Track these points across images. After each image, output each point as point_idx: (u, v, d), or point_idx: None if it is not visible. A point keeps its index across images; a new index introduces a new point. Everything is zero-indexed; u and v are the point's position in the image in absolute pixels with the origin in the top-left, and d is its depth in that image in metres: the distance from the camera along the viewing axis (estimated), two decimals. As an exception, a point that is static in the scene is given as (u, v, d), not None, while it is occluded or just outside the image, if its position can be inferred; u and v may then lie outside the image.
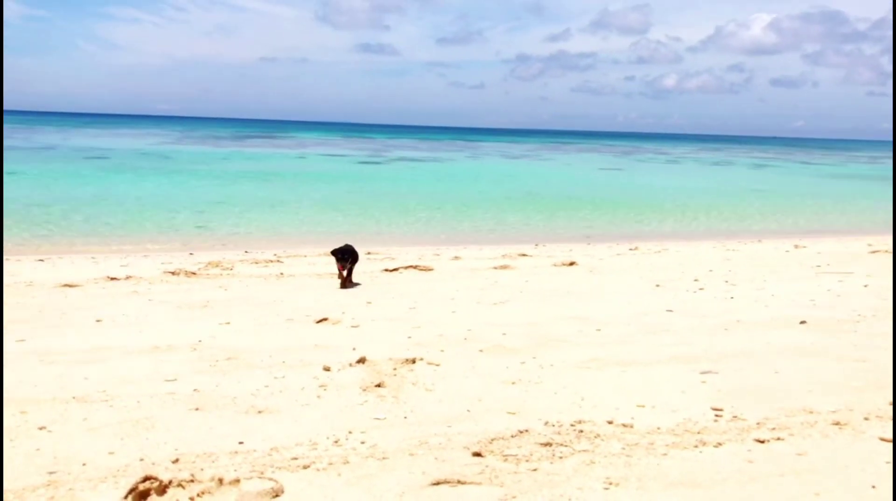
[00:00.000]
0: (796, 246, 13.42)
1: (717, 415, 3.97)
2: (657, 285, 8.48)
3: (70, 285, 8.21)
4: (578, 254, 11.99)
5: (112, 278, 8.75)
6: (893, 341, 5.52)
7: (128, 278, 8.82)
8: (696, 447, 3.51)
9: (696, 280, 8.84)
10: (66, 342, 5.54)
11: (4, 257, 11.01)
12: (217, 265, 10.03)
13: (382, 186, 26.97)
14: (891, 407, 4.04)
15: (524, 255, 11.83)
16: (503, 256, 11.62)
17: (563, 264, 10.50)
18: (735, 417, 3.94)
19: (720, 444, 3.54)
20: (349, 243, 8.79)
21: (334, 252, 8.59)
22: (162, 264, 10.28)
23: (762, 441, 3.57)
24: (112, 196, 20.29)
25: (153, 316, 6.60)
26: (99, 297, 7.60)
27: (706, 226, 18.50)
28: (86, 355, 5.14)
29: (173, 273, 9.17)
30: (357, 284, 8.55)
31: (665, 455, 3.41)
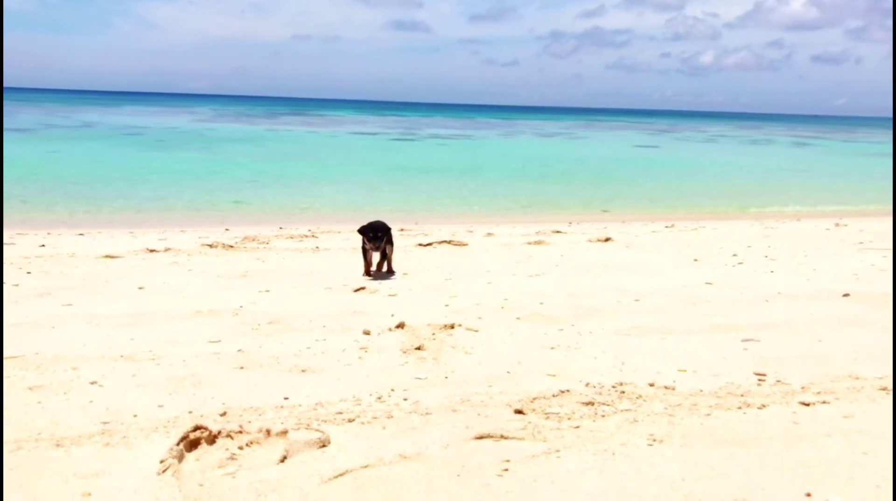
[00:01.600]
0: (837, 224, 13.17)
1: (760, 380, 3.94)
2: (695, 260, 8.39)
3: (111, 257, 8.38)
4: (614, 231, 11.89)
5: (151, 251, 8.89)
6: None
7: (167, 250, 8.97)
8: (739, 408, 3.49)
9: (734, 255, 8.73)
10: (111, 306, 5.66)
11: (46, 232, 11.29)
12: (253, 240, 10.14)
13: (414, 163, 26.97)
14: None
15: (558, 232, 11.78)
16: (537, 232, 11.58)
17: (599, 240, 10.43)
18: (779, 381, 3.90)
19: (764, 406, 3.51)
20: (380, 219, 7.17)
21: (363, 230, 6.90)
22: (199, 237, 10.43)
23: (807, 404, 3.53)
24: (149, 173, 20.61)
25: (194, 284, 6.71)
26: (139, 268, 7.75)
27: (744, 204, 18.22)
28: (131, 318, 5.26)
29: (211, 246, 9.30)
30: (392, 272, 7.25)
31: (708, 415, 3.40)
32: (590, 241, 10.43)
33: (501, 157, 31.45)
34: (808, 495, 2.63)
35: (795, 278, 7.12)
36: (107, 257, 8.40)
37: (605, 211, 15.97)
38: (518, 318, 5.36)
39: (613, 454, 2.98)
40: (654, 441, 3.09)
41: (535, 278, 7.18)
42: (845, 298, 6.17)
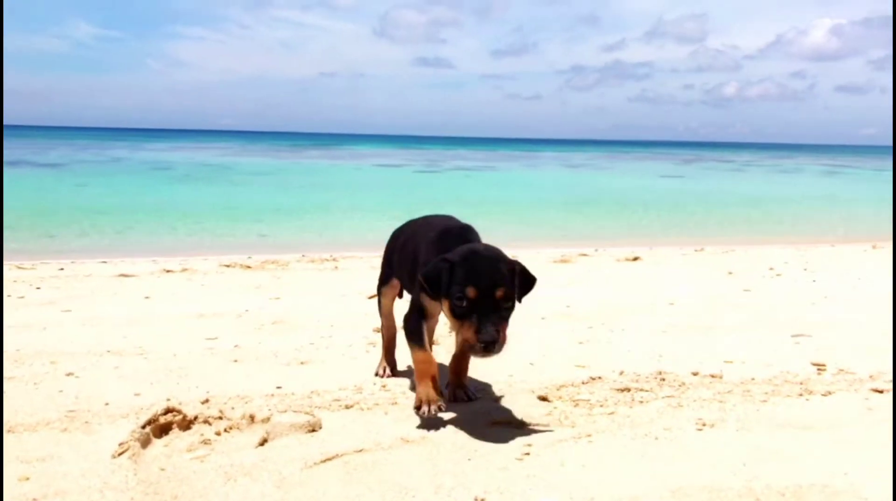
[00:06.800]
0: (874, 246, 12.54)
1: (819, 369, 3.45)
2: (730, 273, 7.89)
3: (126, 275, 8.10)
4: (642, 253, 11.40)
5: (168, 271, 8.62)
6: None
7: (184, 270, 8.68)
8: (800, 395, 3.01)
9: (771, 268, 8.21)
10: (110, 310, 5.33)
11: (70, 261, 11.08)
12: (273, 263, 9.84)
13: (438, 193, 26.57)
14: None
15: (584, 255, 11.31)
16: (562, 255, 11.14)
17: (627, 260, 9.96)
18: (841, 370, 3.41)
19: (830, 393, 3.03)
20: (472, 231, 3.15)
21: (447, 277, 2.59)
22: (219, 262, 10.16)
23: (880, 391, 3.04)
24: (175, 205, 20.51)
25: (203, 294, 6.38)
26: (152, 284, 7.45)
27: (775, 231, 17.57)
28: (129, 320, 4.91)
29: (228, 266, 9.01)
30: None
31: (765, 401, 2.92)
32: (617, 261, 9.97)
33: (525, 186, 30.89)
34: (900, 479, 2.14)
35: (840, 286, 6.59)
36: (121, 275, 8.13)
37: (649, 240, 15.43)
38: (543, 318, 4.92)
39: (656, 438, 2.51)
40: (705, 425, 2.62)
41: (561, 287, 6.73)
42: (902, 301, 5.63)
